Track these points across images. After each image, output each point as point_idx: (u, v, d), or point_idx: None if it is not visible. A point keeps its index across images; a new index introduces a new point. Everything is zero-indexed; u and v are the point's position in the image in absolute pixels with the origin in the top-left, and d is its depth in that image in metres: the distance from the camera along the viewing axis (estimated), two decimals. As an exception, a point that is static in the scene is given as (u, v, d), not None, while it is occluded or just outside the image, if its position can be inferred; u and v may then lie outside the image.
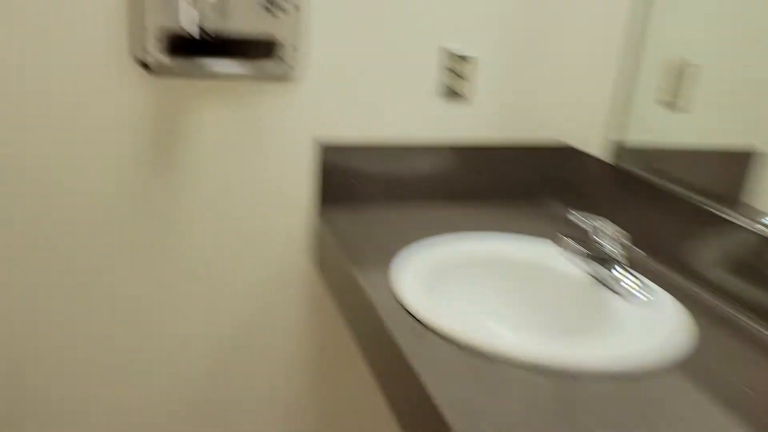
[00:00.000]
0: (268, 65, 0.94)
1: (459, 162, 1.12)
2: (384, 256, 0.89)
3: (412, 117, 1.07)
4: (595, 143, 1.09)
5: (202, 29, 0.82)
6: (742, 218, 0.81)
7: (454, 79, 1.06)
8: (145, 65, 0.90)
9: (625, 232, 0.97)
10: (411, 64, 1.04)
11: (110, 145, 0.95)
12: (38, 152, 0.92)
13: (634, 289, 0.82)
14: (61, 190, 0.94)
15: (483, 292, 0.90)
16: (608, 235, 0.85)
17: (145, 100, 0.94)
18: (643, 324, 0.75)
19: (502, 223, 1.06)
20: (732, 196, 0.82)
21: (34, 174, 0.93)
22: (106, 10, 0.88)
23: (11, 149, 0.89)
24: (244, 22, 0.90)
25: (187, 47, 0.90)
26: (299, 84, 1.00)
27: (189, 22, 0.82)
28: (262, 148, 1.01)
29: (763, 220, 0.78)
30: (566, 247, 0.89)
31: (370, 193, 1.09)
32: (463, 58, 1.05)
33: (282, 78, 0.98)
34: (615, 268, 0.85)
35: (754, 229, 0.79)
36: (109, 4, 0.88)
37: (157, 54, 0.88)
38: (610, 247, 0.85)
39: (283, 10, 0.89)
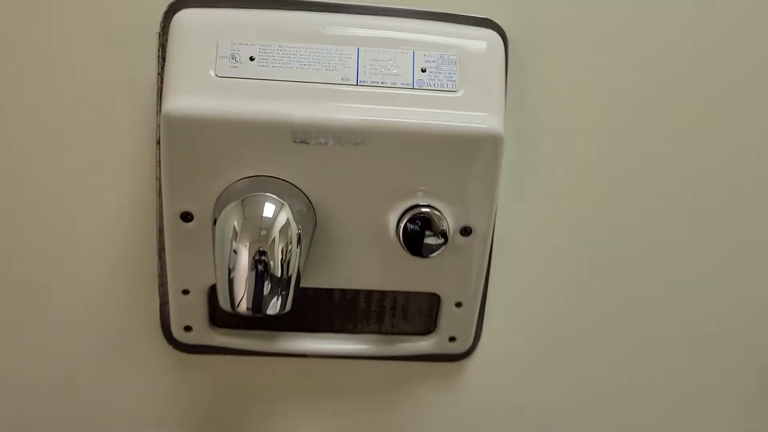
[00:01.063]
0: (405, 336, 0.51)
1: None
2: None
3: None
4: None
5: (274, 301, 0.41)
6: None
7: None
8: (178, 343, 0.51)
9: None
10: (689, 330, 0.53)
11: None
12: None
13: None
14: None
15: None
16: None
17: (180, 394, 0.52)
18: None
19: None
20: None
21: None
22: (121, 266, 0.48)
23: None
24: (360, 271, 0.46)
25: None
26: (469, 370, 0.53)
27: (247, 300, 0.39)
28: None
29: None
30: None
31: None
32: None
33: (435, 358, 0.52)
34: None
35: None
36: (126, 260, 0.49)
37: (199, 327, 0.49)
38: None
39: (441, 235, 0.40)
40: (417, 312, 0.49)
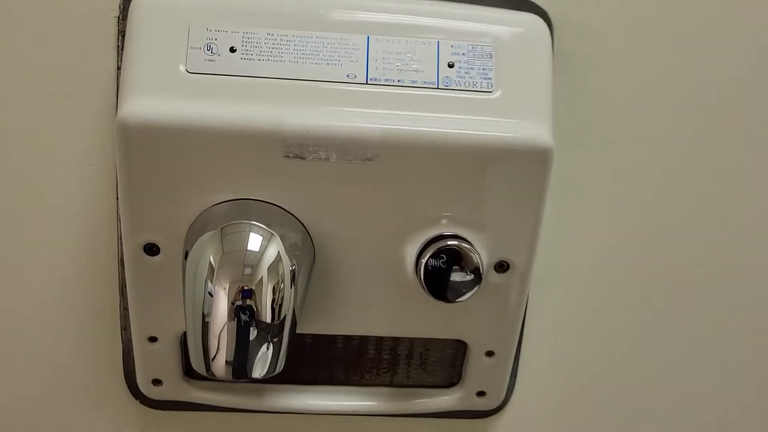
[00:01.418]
0: (424, 390, 0.42)
1: None
2: None
3: None
4: None
5: (261, 359, 0.33)
6: None
7: None
8: (146, 398, 0.42)
9: None
10: None
11: None
12: None
13: None
14: None
15: None
16: None
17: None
18: None
19: None
20: None
21: None
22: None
23: None
24: (369, 315, 0.37)
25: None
26: (499, 429, 0.45)
27: (227, 357, 0.33)
28: None
29: None
30: None
31: None
32: None
33: (459, 414, 0.43)
34: None
35: None
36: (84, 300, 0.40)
37: (171, 380, 0.40)
38: None
39: (472, 273, 0.32)
40: (438, 361, 0.40)
